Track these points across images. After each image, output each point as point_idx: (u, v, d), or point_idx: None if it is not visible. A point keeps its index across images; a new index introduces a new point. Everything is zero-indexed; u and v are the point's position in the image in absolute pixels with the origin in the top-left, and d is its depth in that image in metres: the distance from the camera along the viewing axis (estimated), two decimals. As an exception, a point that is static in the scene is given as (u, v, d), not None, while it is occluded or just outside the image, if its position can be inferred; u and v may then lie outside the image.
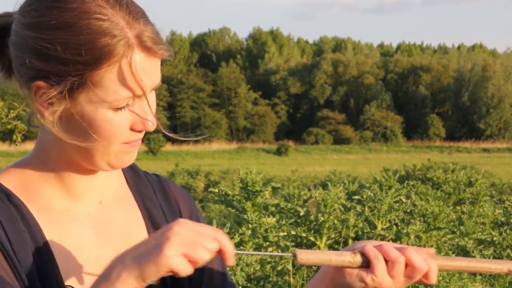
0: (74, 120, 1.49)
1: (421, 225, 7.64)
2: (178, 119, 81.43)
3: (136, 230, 1.68)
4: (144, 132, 1.56)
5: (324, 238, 7.10)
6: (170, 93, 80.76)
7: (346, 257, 1.50)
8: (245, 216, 6.50)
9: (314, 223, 7.13)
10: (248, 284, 6.22)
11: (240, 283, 5.86)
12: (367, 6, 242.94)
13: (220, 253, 1.40)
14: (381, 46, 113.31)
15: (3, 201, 1.54)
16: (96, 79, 1.45)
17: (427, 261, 1.52)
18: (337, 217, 7.25)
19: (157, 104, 1.60)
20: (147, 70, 1.49)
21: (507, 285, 7.73)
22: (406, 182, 9.34)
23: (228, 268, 1.75)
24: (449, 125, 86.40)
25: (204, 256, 1.37)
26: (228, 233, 5.96)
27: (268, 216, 6.74)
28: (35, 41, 1.46)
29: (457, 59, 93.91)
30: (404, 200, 8.21)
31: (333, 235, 7.36)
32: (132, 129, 1.52)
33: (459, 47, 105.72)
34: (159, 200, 1.74)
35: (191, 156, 61.28)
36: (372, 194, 7.68)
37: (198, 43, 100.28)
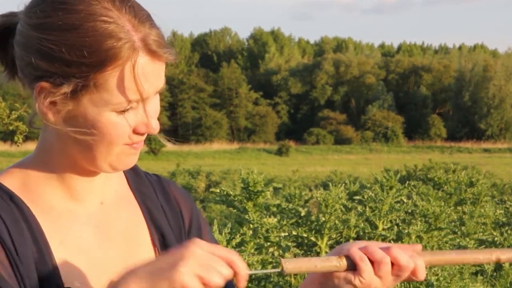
0: (77, 121, 1.49)
1: (422, 225, 7.64)
2: (179, 119, 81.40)
3: (137, 231, 1.68)
4: (146, 134, 1.56)
5: (325, 239, 7.10)
6: (171, 93, 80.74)
7: (332, 262, 1.51)
8: (246, 216, 6.50)
9: (315, 223, 7.12)
10: (249, 284, 6.22)
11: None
12: (367, 6, 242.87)
13: (234, 276, 1.39)
14: (382, 46, 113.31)
15: (6, 201, 1.54)
16: (100, 81, 1.46)
17: (413, 258, 1.52)
18: (338, 218, 7.24)
19: (158, 105, 1.60)
20: (152, 74, 1.49)
21: (508, 285, 7.73)
22: (407, 182, 9.34)
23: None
24: (450, 125, 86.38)
25: (217, 281, 1.36)
26: (229, 233, 5.96)
27: (269, 217, 6.73)
28: (40, 41, 1.46)
29: (458, 59, 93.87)
30: (405, 200, 8.20)
31: (334, 236, 7.35)
32: (135, 132, 1.53)
33: (460, 47, 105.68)
34: (160, 201, 1.74)
35: (192, 156, 61.28)
36: (373, 194, 7.67)
37: (199, 43, 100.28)
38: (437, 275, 6.28)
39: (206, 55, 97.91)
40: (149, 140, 56.21)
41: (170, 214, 1.74)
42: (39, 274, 1.51)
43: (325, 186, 16.45)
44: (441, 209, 7.83)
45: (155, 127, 1.54)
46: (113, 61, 1.45)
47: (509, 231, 8.82)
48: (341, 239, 7.50)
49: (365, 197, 7.69)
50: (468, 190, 11.02)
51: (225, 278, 1.37)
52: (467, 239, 8.48)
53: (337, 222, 7.17)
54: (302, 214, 7.21)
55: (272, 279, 6.36)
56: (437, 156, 52.64)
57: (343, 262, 1.51)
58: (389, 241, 7.50)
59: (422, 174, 16.83)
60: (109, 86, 1.46)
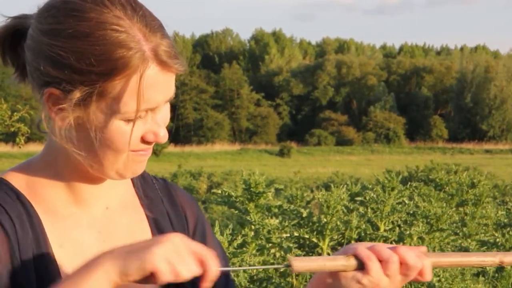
0: (85, 128, 1.49)
1: (424, 226, 7.64)
2: (180, 120, 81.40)
3: (141, 237, 1.66)
4: (154, 143, 1.56)
5: (327, 240, 7.10)
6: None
7: (340, 261, 1.51)
8: (248, 218, 6.50)
9: (317, 224, 7.12)
10: (251, 286, 6.22)
11: (243, 284, 5.86)
12: (368, 7, 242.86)
13: (203, 273, 1.40)
14: (383, 47, 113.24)
15: (12, 198, 1.54)
16: (109, 90, 1.45)
17: (419, 258, 1.52)
18: (339, 219, 7.24)
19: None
20: (161, 85, 1.49)
21: (510, 286, 7.73)
22: (409, 183, 9.31)
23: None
24: (451, 126, 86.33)
25: (184, 273, 1.37)
26: (230, 234, 5.96)
27: (271, 218, 6.73)
28: (50, 48, 1.46)
29: (459, 60, 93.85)
30: (406, 201, 8.20)
31: (335, 237, 7.35)
32: (143, 140, 1.53)
33: (461, 48, 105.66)
34: (165, 207, 1.74)
35: (193, 157, 61.30)
36: (374, 196, 7.67)
37: (201, 44, 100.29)
38: (439, 276, 6.28)
39: (208, 56, 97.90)
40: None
41: (175, 220, 1.74)
42: (37, 274, 1.51)
43: (327, 187, 16.44)
44: (443, 210, 7.83)
45: (164, 136, 1.53)
46: (123, 70, 1.45)
47: (510, 232, 8.81)
48: (343, 240, 7.50)
49: (367, 198, 7.69)
50: (469, 191, 11.01)
51: (192, 273, 1.37)
52: (469, 240, 8.48)
53: (338, 223, 7.17)
54: (304, 215, 7.21)
55: (273, 280, 6.36)
56: (438, 157, 52.63)
57: (351, 261, 1.51)
58: (391, 242, 7.50)
59: (423, 175, 16.81)
60: (117, 95, 1.46)
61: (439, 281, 6.26)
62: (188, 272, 1.37)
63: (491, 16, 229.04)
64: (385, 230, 7.51)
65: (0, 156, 47.68)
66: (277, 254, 6.75)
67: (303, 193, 8.99)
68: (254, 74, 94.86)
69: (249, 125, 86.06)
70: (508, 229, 9.03)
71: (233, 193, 6.72)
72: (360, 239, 7.58)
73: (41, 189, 1.59)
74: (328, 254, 7.09)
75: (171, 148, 64.01)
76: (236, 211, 6.80)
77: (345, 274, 1.52)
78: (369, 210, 7.56)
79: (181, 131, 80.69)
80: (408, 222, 7.82)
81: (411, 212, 8.01)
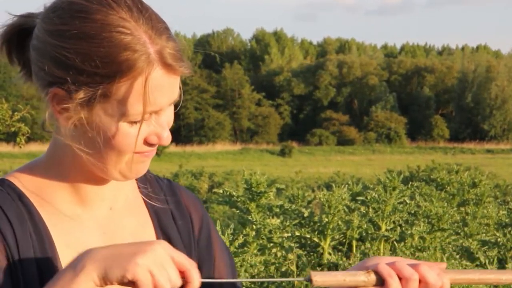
0: (88, 129, 1.49)
1: (425, 226, 7.63)
2: (182, 120, 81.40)
3: (144, 238, 1.67)
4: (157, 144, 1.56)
5: (328, 239, 7.09)
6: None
7: (361, 277, 1.52)
8: (249, 217, 6.49)
9: (318, 224, 7.12)
10: (252, 286, 6.22)
11: (244, 284, 5.86)
12: (370, 7, 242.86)
13: (184, 284, 1.41)
14: (384, 47, 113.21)
15: (14, 200, 1.54)
16: (114, 92, 1.45)
17: (440, 276, 1.53)
18: (341, 218, 7.24)
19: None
20: (166, 87, 1.49)
21: (511, 286, 7.72)
22: (410, 183, 9.30)
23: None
24: (453, 126, 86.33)
25: (164, 284, 1.37)
26: (232, 234, 5.96)
27: (272, 217, 6.73)
28: (56, 48, 1.46)
29: (461, 60, 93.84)
30: (408, 201, 8.20)
31: (337, 236, 7.35)
32: (146, 142, 1.52)
33: (463, 48, 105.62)
34: (170, 207, 1.74)
35: (194, 157, 61.30)
36: (376, 195, 7.66)
37: (202, 44, 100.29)
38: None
39: (209, 56, 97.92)
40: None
41: (180, 221, 1.73)
42: (40, 275, 1.51)
43: (328, 187, 16.43)
44: (444, 210, 7.83)
45: (167, 138, 1.54)
46: (128, 72, 1.44)
47: (512, 232, 8.81)
48: (344, 240, 7.50)
49: (368, 198, 7.69)
50: (471, 191, 11.01)
51: (173, 285, 1.38)
52: (470, 240, 8.47)
53: (340, 223, 7.17)
54: (305, 215, 7.21)
55: (275, 281, 6.35)
56: (440, 157, 52.58)
57: (371, 277, 1.52)
58: (392, 242, 7.50)
59: (425, 175, 16.82)
60: (122, 97, 1.46)
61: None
62: (167, 282, 1.37)
63: (493, 16, 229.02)
64: (386, 230, 7.51)
65: (1, 156, 47.71)
66: (278, 254, 6.74)
67: (304, 193, 8.98)
68: (255, 74, 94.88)
69: (250, 125, 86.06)
70: (510, 228, 9.02)
71: (234, 193, 6.71)
72: (361, 239, 7.58)
73: (45, 190, 1.59)
74: (329, 254, 7.09)
75: (173, 148, 64.01)
76: (237, 211, 6.79)
77: None
78: (370, 209, 7.56)
79: (183, 131, 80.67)
80: (410, 221, 7.82)
81: (413, 211, 8.01)
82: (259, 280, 1.58)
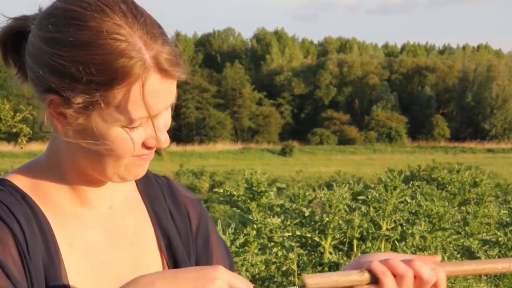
0: (86, 134, 1.49)
1: (426, 225, 7.64)
2: (182, 119, 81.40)
3: (144, 236, 1.68)
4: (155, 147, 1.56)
5: (329, 239, 7.10)
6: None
7: (354, 277, 1.51)
8: (250, 217, 6.50)
9: (319, 223, 7.13)
10: (253, 285, 6.22)
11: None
12: (371, 6, 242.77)
13: None
14: (385, 46, 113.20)
15: (18, 200, 1.54)
16: (110, 98, 1.45)
17: (435, 271, 1.52)
18: (342, 218, 7.24)
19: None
20: (162, 92, 1.49)
21: (511, 285, 7.73)
22: (411, 182, 9.31)
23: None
24: (453, 125, 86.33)
25: None
26: (233, 233, 5.97)
27: (273, 217, 6.74)
28: (51, 56, 1.45)
29: (462, 59, 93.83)
30: (409, 200, 8.20)
31: (338, 236, 7.36)
32: (144, 146, 1.53)
33: (464, 48, 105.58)
34: (168, 205, 1.74)
35: (195, 156, 61.30)
36: (377, 195, 7.67)
37: (203, 43, 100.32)
38: (441, 275, 6.26)
39: (210, 55, 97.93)
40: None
41: (178, 218, 1.74)
42: (46, 274, 1.51)
43: (329, 187, 16.44)
44: (445, 209, 7.84)
45: (165, 141, 1.54)
46: (124, 79, 1.44)
47: (513, 231, 8.81)
48: (345, 239, 7.51)
49: (369, 197, 7.70)
50: (472, 190, 11.02)
51: None
52: (471, 239, 8.48)
53: (341, 222, 7.17)
54: (306, 214, 7.22)
55: (276, 279, 6.37)
56: (440, 156, 52.58)
57: (365, 276, 1.51)
58: (393, 241, 7.50)
59: (426, 174, 16.82)
60: (118, 103, 1.46)
61: (441, 280, 6.24)
62: None
63: (494, 16, 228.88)
64: (387, 229, 7.52)
65: (2, 155, 47.74)
66: (279, 253, 6.75)
67: (305, 192, 8.98)
68: (256, 73, 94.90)
69: (251, 124, 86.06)
70: (510, 228, 9.03)
71: (235, 192, 6.72)
72: (362, 238, 7.58)
73: (46, 190, 1.59)
74: (330, 253, 7.09)
75: (173, 147, 64.00)
76: (238, 210, 6.80)
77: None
78: (371, 209, 7.56)
79: (183, 130, 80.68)
80: (410, 221, 7.83)
81: (413, 211, 8.02)
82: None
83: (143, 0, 1.53)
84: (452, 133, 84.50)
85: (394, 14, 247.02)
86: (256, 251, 6.37)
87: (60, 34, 1.45)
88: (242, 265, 5.90)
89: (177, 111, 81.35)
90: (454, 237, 8.20)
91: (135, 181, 1.73)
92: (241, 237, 6.02)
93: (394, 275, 1.51)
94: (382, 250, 7.34)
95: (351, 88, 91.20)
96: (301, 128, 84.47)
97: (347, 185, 8.06)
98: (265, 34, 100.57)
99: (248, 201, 6.61)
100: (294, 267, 6.73)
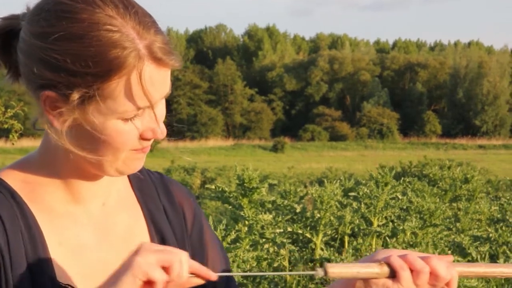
0: (83, 129, 1.49)
1: (417, 221, 7.65)
2: (174, 115, 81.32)
3: (137, 233, 1.68)
4: (152, 139, 1.55)
5: (320, 235, 7.10)
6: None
7: (374, 269, 1.54)
8: (241, 213, 6.50)
9: (310, 219, 7.13)
10: (244, 281, 6.23)
11: (237, 279, 5.85)
12: (365, 2, 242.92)
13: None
14: (377, 42, 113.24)
15: (7, 198, 1.53)
16: (106, 90, 1.45)
17: (449, 269, 1.55)
18: (333, 214, 7.25)
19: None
20: (157, 81, 1.49)
21: (503, 281, 7.75)
22: (402, 178, 9.34)
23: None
24: (445, 122, 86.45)
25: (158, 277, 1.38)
26: (224, 229, 5.96)
27: (265, 213, 6.73)
28: (44, 51, 1.45)
29: (453, 56, 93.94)
30: (400, 196, 8.21)
31: (329, 232, 7.36)
32: (141, 138, 1.52)
33: (455, 44, 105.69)
34: (162, 201, 1.74)
35: (187, 153, 61.22)
36: (368, 191, 7.68)
37: (194, 39, 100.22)
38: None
39: (201, 51, 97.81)
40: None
41: (172, 215, 1.74)
42: (31, 273, 1.51)
43: (320, 183, 16.45)
44: (436, 206, 7.85)
45: (162, 132, 1.54)
46: (119, 70, 1.44)
47: (504, 228, 8.82)
48: (336, 236, 7.52)
49: (360, 193, 7.70)
50: (463, 186, 11.04)
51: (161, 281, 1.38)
52: (462, 235, 8.49)
53: (332, 218, 7.18)
54: (297, 210, 7.22)
55: (267, 276, 6.37)
56: (432, 153, 52.67)
57: (384, 269, 1.55)
58: (384, 238, 7.51)
59: (417, 171, 16.86)
60: (115, 94, 1.45)
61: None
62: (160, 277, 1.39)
63: (485, 12, 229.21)
64: (378, 225, 7.53)
65: (-7, 151, 47.61)
66: (271, 250, 6.75)
67: (296, 189, 8.99)
68: (248, 69, 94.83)
69: (243, 121, 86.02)
70: (501, 224, 9.05)
71: (226, 189, 6.72)
72: (353, 234, 7.59)
73: (38, 188, 1.58)
74: (322, 249, 7.10)
75: (165, 144, 63.88)
76: (230, 207, 6.80)
77: (376, 280, 1.56)
78: (362, 205, 7.57)
79: (175, 126, 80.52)
80: (402, 217, 7.84)
81: (405, 207, 8.03)
82: (268, 274, 1.61)
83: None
84: (444, 130, 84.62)
85: (386, 11, 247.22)
86: (247, 247, 6.37)
87: (52, 28, 1.45)
88: (233, 261, 5.90)
89: (169, 107, 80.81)
90: (445, 233, 8.21)
91: (128, 177, 1.72)
92: (233, 233, 6.02)
93: (411, 270, 1.54)
94: (374, 246, 7.36)
95: (343, 84, 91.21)
96: (292, 125, 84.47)
97: (339, 181, 8.06)
98: (257, 30, 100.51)
99: (240, 197, 6.60)
100: (286, 263, 6.73)
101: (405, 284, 1.53)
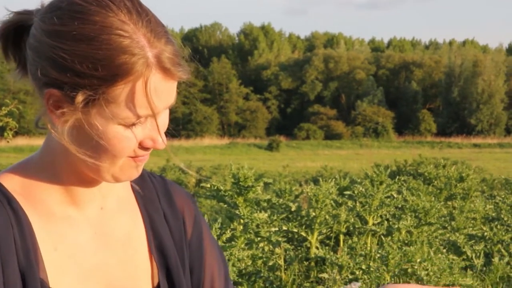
0: (83, 131, 1.47)
1: (412, 220, 7.66)
2: (169, 114, 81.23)
3: (135, 237, 1.67)
4: (151, 149, 1.55)
5: (316, 234, 7.11)
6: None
7: None
8: (236, 212, 6.50)
9: (306, 218, 7.13)
10: (240, 280, 6.23)
11: (232, 278, 5.86)
12: (360, 1, 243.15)
13: None
14: (372, 41, 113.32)
15: (3, 204, 1.52)
16: (111, 95, 1.44)
17: None
18: (328, 213, 7.25)
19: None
20: (162, 91, 1.48)
21: (497, 280, 7.76)
22: (397, 177, 9.35)
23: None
24: (440, 120, 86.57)
25: None
26: (219, 228, 5.96)
27: (260, 212, 6.74)
28: (53, 49, 1.44)
29: (448, 54, 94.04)
30: (395, 195, 8.23)
31: (324, 231, 7.37)
32: (141, 146, 1.52)
33: (450, 43, 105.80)
34: (162, 205, 1.73)
35: (182, 151, 61.21)
36: (363, 190, 7.69)
37: (190, 38, 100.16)
38: (427, 269, 6.30)
39: (197, 50, 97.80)
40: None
41: (172, 219, 1.73)
42: (24, 280, 1.50)
43: (316, 181, 16.46)
44: (431, 204, 7.86)
45: (162, 143, 1.53)
46: (126, 76, 1.43)
47: (498, 226, 8.84)
48: (331, 234, 7.52)
49: (356, 192, 7.71)
50: (458, 185, 11.06)
51: None
52: (457, 234, 8.50)
53: (327, 217, 7.18)
54: (293, 209, 7.23)
55: (262, 274, 6.37)
56: (427, 151, 52.70)
57: None
58: (379, 236, 7.52)
59: (412, 169, 16.86)
60: (119, 100, 1.44)
61: (427, 274, 6.28)
62: None
63: (481, 11, 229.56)
64: (373, 224, 7.53)
65: (-12, 150, 47.52)
66: (266, 248, 6.76)
67: (291, 187, 8.99)
68: (243, 68, 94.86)
69: (238, 119, 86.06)
70: (496, 223, 9.06)
71: (222, 187, 6.72)
72: (348, 233, 7.60)
73: (36, 192, 1.57)
74: (317, 248, 7.10)
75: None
76: (225, 205, 6.80)
77: None
78: (357, 204, 7.58)
79: (170, 125, 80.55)
80: (397, 216, 7.85)
81: (400, 206, 8.04)
82: None
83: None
84: (439, 128, 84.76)
85: (382, 9, 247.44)
86: (242, 246, 6.38)
87: (64, 27, 1.44)
88: (228, 260, 5.90)
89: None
90: (440, 231, 8.23)
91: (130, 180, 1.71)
92: (228, 232, 6.02)
93: None
94: (369, 245, 7.36)
95: (338, 83, 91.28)
96: (288, 123, 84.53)
97: (334, 180, 8.07)
98: (252, 29, 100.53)
99: (235, 196, 6.61)
100: (281, 262, 6.74)
101: None
